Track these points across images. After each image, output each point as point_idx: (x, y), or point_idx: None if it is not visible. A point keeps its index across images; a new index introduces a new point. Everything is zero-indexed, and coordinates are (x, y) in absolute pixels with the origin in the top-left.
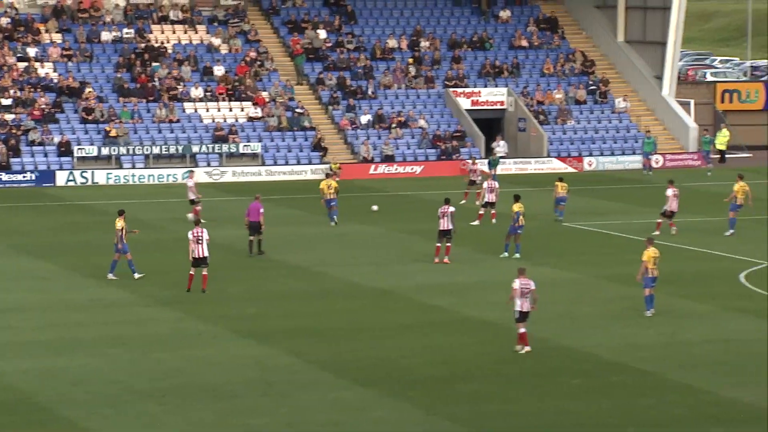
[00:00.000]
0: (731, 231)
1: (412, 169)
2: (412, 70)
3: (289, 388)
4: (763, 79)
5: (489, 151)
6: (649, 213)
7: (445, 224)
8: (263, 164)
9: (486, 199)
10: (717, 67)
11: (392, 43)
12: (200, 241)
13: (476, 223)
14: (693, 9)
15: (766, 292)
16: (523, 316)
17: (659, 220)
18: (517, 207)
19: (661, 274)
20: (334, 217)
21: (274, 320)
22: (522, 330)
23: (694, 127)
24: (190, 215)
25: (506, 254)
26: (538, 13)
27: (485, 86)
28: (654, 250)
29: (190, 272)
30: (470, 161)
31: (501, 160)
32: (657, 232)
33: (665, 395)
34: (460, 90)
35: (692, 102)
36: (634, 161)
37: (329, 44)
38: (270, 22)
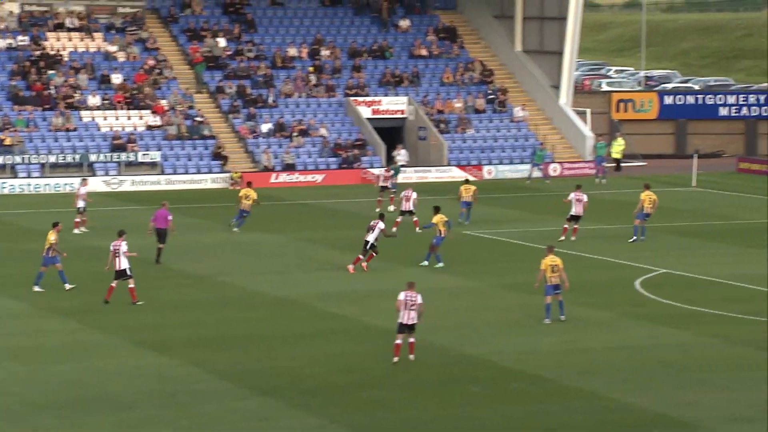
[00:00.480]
0: (635, 238)
1: (313, 177)
2: (313, 78)
3: (189, 398)
4: (656, 88)
5: (390, 160)
6: (548, 221)
7: (371, 237)
8: (162, 173)
9: (403, 208)
10: (612, 77)
11: (293, 51)
12: (118, 255)
13: (394, 230)
14: (589, 20)
15: (660, 298)
16: (402, 328)
17: (565, 225)
18: (437, 219)
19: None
20: (235, 223)
21: (174, 330)
22: (398, 341)
23: (591, 136)
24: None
25: (426, 263)
26: (438, 23)
27: (386, 95)
28: (552, 258)
29: (112, 284)
30: (384, 170)
31: (402, 168)
32: (562, 237)
33: (564, 401)
34: (360, 99)
35: (588, 111)
36: (529, 170)
37: (229, 52)
38: (168, 29)
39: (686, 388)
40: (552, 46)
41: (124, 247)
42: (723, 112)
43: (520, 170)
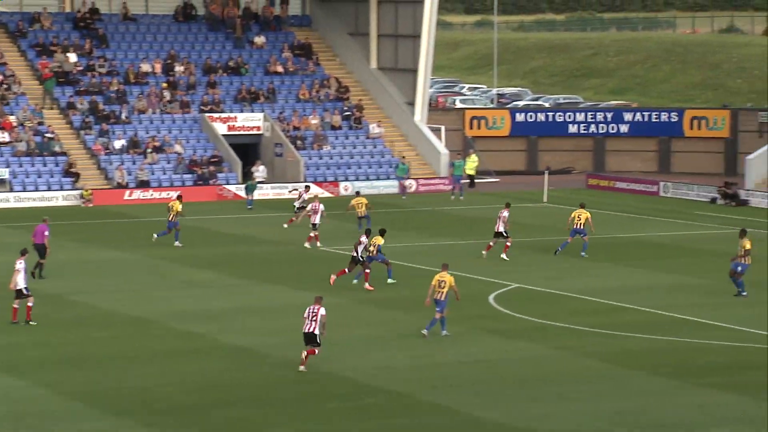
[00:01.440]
0: (559, 249)
1: (168, 194)
2: (167, 94)
3: (40, 420)
4: (508, 106)
5: (246, 176)
6: (405, 236)
7: (357, 253)
8: (11, 190)
9: (312, 221)
10: (466, 95)
11: (146, 67)
12: (18, 273)
13: (307, 245)
14: (442, 38)
15: (513, 312)
16: (305, 338)
17: (497, 242)
18: (379, 240)
19: (418, 298)
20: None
21: (24, 350)
22: (304, 353)
23: (445, 153)
24: None
25: (355, 281)
26: (293, 40)
27: (241, 111)
28: (442, 275)
29: (14, 305)
30: (302, 189)
31: (259, 185)
32: (485, 253)
33: (418, 416)
34: (216, 115)
35: (443, 128)
36: (388, 186)
37: (80, 68)
38: (17, 44)
39: (538, 401)
40: (406, 63)
41: (22, 265)
42: (572, 129)
43: (377, 186)
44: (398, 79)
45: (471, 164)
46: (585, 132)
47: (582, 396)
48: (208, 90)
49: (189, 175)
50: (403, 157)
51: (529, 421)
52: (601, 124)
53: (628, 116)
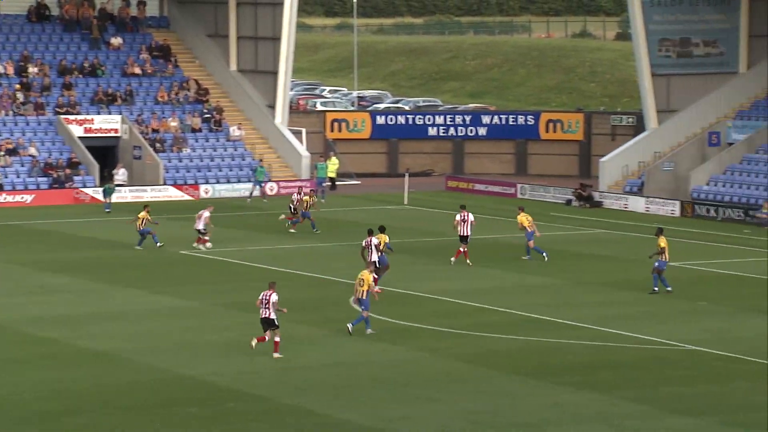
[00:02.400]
0: (528, 257)
1: (22, 198)
2: (21, 96)
3: None
4: (369, 108)
5: (104, 179)
6: (265, 239)
7: (374, 257)
8: None
9: (196, 226)
10: (326, 97)
11: None
12: None
13: (200, 246)
14: (303, 40)
15: (374, 315)
16: (263, 323)
17: (459, 248)
18: (384, 238)
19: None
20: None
21: None
22: (265, 336)
23: (307, 156)
24: None
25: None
26: (151, 41)
27: (98, 113)
28: (362, 273)
29: None
30: (296, 193)
31: (117, 188)
32: (460, 260)
33: (280, 419)
34: (72, 117)
35: (304, 131)
36: (249, 189)
37: None
38: None
39: (399, 403)
40: (266, 65)
41: None
42: (432, 132)
43: (237, 189)
44: (258, 82)
45: (332, 167)
46: (444, 135)
47: (443, 397)
48: (64, 92)
49: (44, 179)
50: (261, 159)
51: (390, 423)
52: (460, 127)
53: (486, 119)
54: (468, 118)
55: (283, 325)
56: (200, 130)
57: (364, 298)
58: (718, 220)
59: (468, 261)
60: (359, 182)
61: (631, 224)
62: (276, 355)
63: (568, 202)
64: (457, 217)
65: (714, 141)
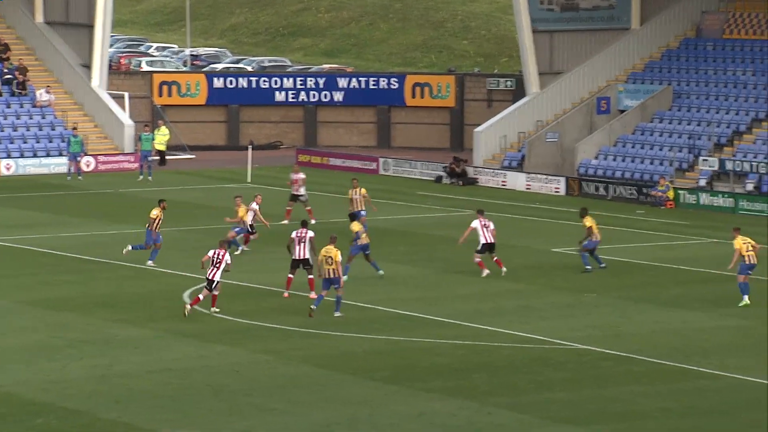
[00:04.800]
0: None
1: None
2: None
3: None
4: (204, 69)
5: None
6: (81, 224)
7: (300, 253)
8: None
9: None
10: (153, 56)
11: None
12: None
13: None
14: None
15: (209, 311)
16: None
17: (477, 259)
18: (356, 227)
19: (93, 297)
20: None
21: None
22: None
23: (131, 125)
24: None
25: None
26: None
27: None
28: (328, 249)
29: None
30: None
31: None
32: (486, 271)
33: None
34: None
35: (126, 95)
36: (60, 164)
37: None
38: None
39: (238, 414)
40: (80, 17)
41: None
42: (279, 97)
43: (46, 165)
44: (71, 37)
45: (161, 138)
46: (294, 101)
47: (289, 406)
48: None
49: None
50: (75, 128)
51: None
52: (312, 92)
53: (342, 82)
54: (321, 82)
55: (99, 325)
56: (1, 95)
57: (334, 276)
58: (608, 199)
59: (503, 268)
60: (193, 156)
61: (510, 204)
62: (214, 309)
63: (439, 178)
64: (474, 224)
65: (603, 108)
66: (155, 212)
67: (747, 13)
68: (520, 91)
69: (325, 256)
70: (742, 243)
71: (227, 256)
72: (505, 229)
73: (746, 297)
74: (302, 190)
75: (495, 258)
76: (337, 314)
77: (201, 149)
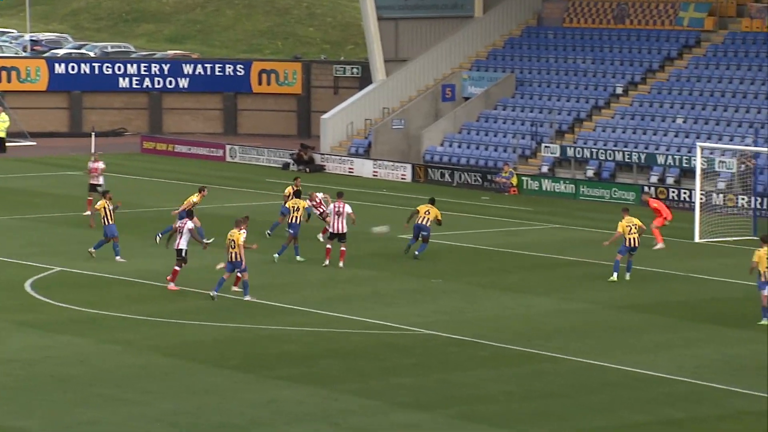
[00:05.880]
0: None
1: None
2: None
3: None
4: (45, 55)
5: None
6: None
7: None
8: None
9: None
10: None
11: None
12: None
13: None
14: None
15: (55, 301)
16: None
17: (328, 246)
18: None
19: None
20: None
21: None
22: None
23: None
24: None
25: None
26: None
27: None
28: (231, 233)
29: None
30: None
31: None
32: (326, 261)
33: None
34: None
35: None
36: None
37: None
38: None
39: (85, 406)
40: None
41: None
42: (123, 83)
43: None
44: None
45: (0, 125)
46: (138, 87)
47: (137, 396)
48: None
49: None
50: None
51: (74, 429)
52: (157, 78)
53: (187, 69)
54: (166, 68)
55: None
56: None
57: (237, 260)
58: (453, 186)
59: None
60: (34, 143)
61: (357, 191)
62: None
63: (286, 165)
64: (329, 208)
65: (448, 95)
66: (99, 203)
67: (587, 2)
68: (366, 78)
69: (229, 240)
70: (626, 225)
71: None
72: (355, 217)
73: (615, 274)
74: (101, 180)
75: (342, 248)
76: (247, 298)
77: (42, 136)
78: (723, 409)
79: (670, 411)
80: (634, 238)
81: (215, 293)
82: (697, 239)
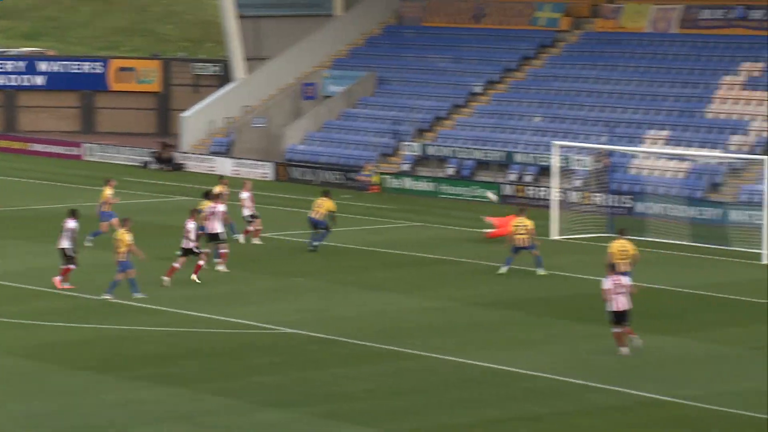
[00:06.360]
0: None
1: None
2: None
3: None
4: None
5: None
6: None
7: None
8: None
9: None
10: None
11: None
12: None
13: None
14: None
15: None
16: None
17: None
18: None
19: None
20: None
21: None
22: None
23: None
24: None
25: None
26: None
27: None
28: (120, 233)
29: None
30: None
31: None
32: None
33: None
34: None
35: None
36: None
37: None
38: None
39: None
40: None
41: None
42: None
43: None
44: None
45: None
46: None
47: None
48: None
49: None
50: None
51: None
52: (12, 75)
53: (43, 66)
54: (21, 65)
55: None
56: None
57: (124, 260)
58: (315, 184)
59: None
60: None
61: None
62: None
63: (145, 164)
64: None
65: (309, 93)
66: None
67: (445, 1)
68: (227, 76)
69: (116, 240)
70: (515, 225)
71: (626, 279)
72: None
73: (505, 268)
74: None
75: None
76: (136, 295)
77: None
78: (582, 404)
79: (530, 406)
80: (522, 239)
81: (108, 295)
82: (554, 236)
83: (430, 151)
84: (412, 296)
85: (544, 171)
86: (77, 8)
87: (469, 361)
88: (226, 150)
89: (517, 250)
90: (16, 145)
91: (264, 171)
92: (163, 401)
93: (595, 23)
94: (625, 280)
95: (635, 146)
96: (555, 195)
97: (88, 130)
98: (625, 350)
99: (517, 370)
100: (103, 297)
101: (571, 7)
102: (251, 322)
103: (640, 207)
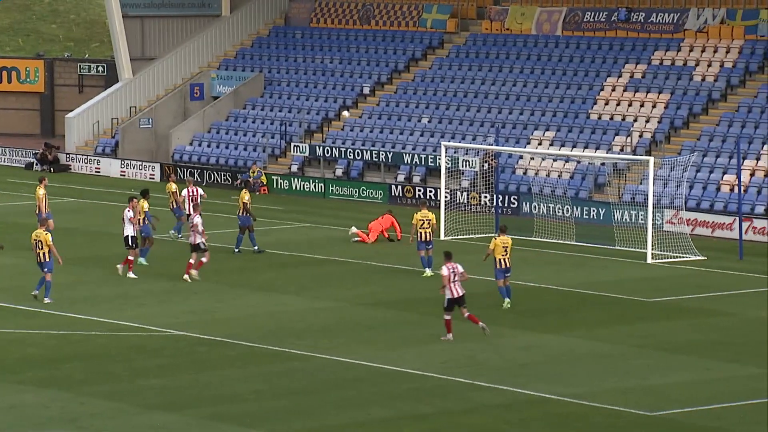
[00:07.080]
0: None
1: None
2: None
3: None
4: None
5: None
6: None
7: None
8: None
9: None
10: None
11: None
12: None
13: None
14: None
15: None
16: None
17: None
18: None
19: None
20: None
21: None
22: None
23: None
24: None
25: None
26: None
27: None
28: (37, 233)
29: None
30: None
31: None
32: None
33: None
34: None
35: None
36: None
37: None
38: None
39: None
40: None
41: None
42: None
43: None
44: None
45: None
46: None
47: None
48: None
49: None
50: None
51: None
52: None
53: None
54: None
55: None
56: None
57: (46, 260)
58: (203, 185)
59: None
60: None
61: (104, 191)
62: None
63: (30, 165)
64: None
65: (197, 94)
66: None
67: (333, 3)
68: (113, 76)
69: (35, 240)
70: (419, 218)
71: (459, 267)
72: (100, 217)
73: (428, 270)
74: None
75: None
76: (47, 300)
77: None
78: (468, 403)
79: (417, 406)
80: (426, 232)
81: (36, 292)
82: (442, 237)
83: (319, 151)
84: (301, 297)
85: (432, 171)
86: None
87: (357, 361)
88: (112, 151)
89: (424, 245)
90: None
91: (151, 172)
92: (47, 405)
93: (482, 25)
94: (460, 268)
95: (521, 147)
96: (443, 195)
97: None
98: (450, 336)
99: (404, 369)
100: (45, 301)
101: (457, 8)
102: (138, 324)
103: (526, 207)
